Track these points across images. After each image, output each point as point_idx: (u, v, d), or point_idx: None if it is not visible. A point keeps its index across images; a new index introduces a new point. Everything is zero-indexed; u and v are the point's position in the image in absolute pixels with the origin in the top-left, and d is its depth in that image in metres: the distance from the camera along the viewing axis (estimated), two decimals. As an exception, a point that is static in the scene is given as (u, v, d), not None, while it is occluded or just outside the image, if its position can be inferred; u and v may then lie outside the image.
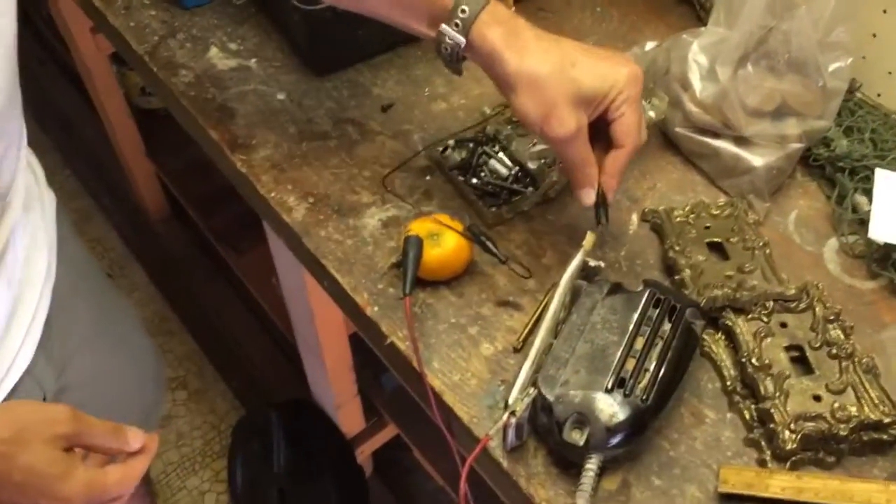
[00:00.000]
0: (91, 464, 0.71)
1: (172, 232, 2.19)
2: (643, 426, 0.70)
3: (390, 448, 1.77)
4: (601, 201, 0.81)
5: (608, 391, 0.70)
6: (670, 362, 0.73)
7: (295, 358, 1.68)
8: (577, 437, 0.69)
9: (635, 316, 0.75)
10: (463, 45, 0.76)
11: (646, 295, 0.77)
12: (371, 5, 0.81)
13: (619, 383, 0.71)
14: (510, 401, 0.70)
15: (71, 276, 0.98)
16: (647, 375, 0.72)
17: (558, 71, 0.73)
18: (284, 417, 1.66)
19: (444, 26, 0.76)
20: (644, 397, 0.70)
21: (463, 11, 0.74)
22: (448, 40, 0.76)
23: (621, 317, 0.76)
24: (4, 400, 0.84)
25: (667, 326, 0.75)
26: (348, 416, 1.63)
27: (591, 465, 0.69)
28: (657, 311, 0.76)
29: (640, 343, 0.74)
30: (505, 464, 0.74)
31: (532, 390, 0.71)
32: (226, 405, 1.99)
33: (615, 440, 0.69)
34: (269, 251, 1.36)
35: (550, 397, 0.70)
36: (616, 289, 0.79)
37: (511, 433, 0.71)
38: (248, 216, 1.34)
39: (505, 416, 0.70)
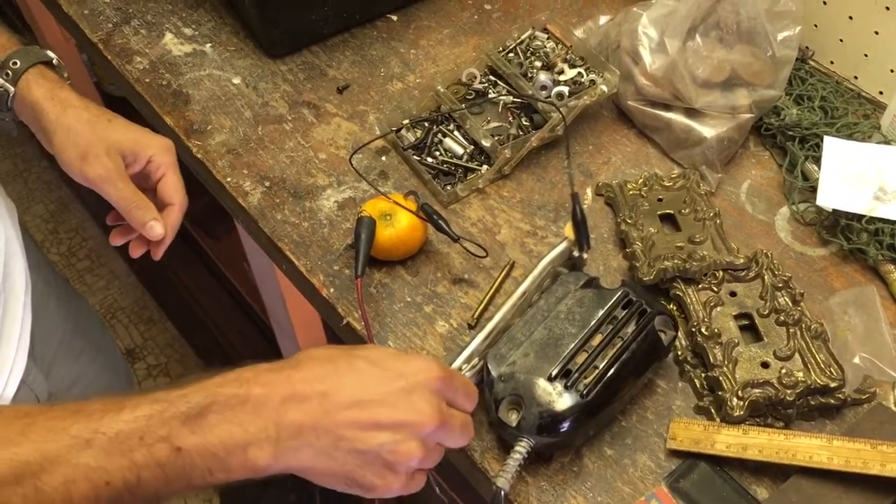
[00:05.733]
0: None
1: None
2: (577, 420, 0.69)
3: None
4: (582, 227, 0.78)
5: (550, 379, 0.70)
6: (623, 364, 0.71)
7: (275, 340, 1.69)
8: (512, 418, 0.70)
9: (600, 313, 0.74)
10: (12, 94, 0.82)
11: (617, 294, 0.75)
12: None
13: (564, 374, 0.71)
14: (452, 367, 0.70)
15: (41, 283, 0.98)
16: (595, 372, 0.71)
17: (94, 123, 0.81)
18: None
19: None
20: (585, 392, 0.70)
21: (15, 63, 0.82)
22: None
23: (586, 311, 0.75)
24: None
25: (630, 329, 0.73)
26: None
27: (520, 448, 0.69)
28: (625, 311, 0.74)
29: (597, 340, 0.73)
30: (459, 439, 0.75)
31: (477, 361, 0.72)
32: (207, 391, 2.00)
33: (545, 427, 0.69)
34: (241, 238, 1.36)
35: (494, 373, 0.71)
36: (591, 283, 0.77)
37: None
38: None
39: None
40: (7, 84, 0.82)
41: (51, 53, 0.86)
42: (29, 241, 0.96)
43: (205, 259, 2.08)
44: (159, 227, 0.81)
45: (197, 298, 2.08)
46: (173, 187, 0.84)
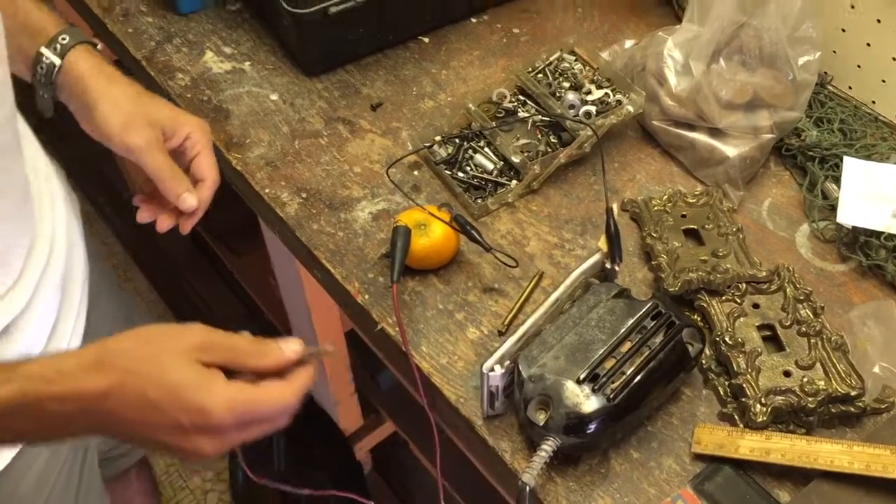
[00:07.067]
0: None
1: (171, 235, 2.22)
2: (603, 423, 0.72)
3: (388, 445, 1.80)
4: (616, 240, 0.81)
5: (579, 382, 0.73)
6: (650, 371, 0.74)
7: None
8: (540, 418, 0.72)
9: (630, 322, 0.77)
10: (57, 66, 0.84)
11: (647, 305, 0.78)
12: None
13: (593, 378, 0.73)
14: (484, 368, 0.73)
15: (95, 274, 1.01)
16: (623, 378, 0.74)
17: (137, 96, 0.85)
18: (283, 415, 1.69)
19: (43, 48, 0.84)
20: (612, 396, 0.72)
21: (64, 39, 0.85)
22: (45, 61, 0.84)
23: (617, 319, 0.78)
24: None
25: (658, 339, 0.76)
26: (346, 413, 1.66)
27: (547, 446, 0.72)
28: (654, 322, 0.77)
29: (625, 347, 0.76)
30: (490, 440, 0.78)
31: (508, 363, 0.75)
32: (226, 406, 2.02)
33: (571, 427, 0.72)
34: (265, 253, 1.40)
35: (525, 374, 0.74)
36: (623, 293, 0.81)
37: (485, 399, 0.75)
38: (246, 219, 1.38)
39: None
40: (54, 57, 0.84)
41: (98, 40, 0.89)
42: (87, 233, 0.99)
43: (225, 276, 2.12)
44: (192, 199, 0.83)
45: (218, 315, 2.11)
46: (207, 164, 0.86)
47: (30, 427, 0.63)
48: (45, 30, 0.85)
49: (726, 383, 0.80)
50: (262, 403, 0.64)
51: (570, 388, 0.73)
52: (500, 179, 0.96)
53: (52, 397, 0.61)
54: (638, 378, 0.74)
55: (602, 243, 0.81)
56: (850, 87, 1.05)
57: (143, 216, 0.87)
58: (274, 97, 1.07)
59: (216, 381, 0.62)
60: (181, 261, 2.20)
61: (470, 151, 0.98)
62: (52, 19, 0.86)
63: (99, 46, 0.89)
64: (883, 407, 0.78)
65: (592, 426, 0.72)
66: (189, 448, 0.63)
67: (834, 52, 1.04)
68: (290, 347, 0.67)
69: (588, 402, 0.72)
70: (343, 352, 1.52)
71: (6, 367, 0.62)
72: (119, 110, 0.83)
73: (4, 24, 0.78)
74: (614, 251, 0.81)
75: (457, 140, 0.99)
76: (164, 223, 0.86)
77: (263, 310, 1.90)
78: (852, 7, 1.00)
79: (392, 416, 1.67)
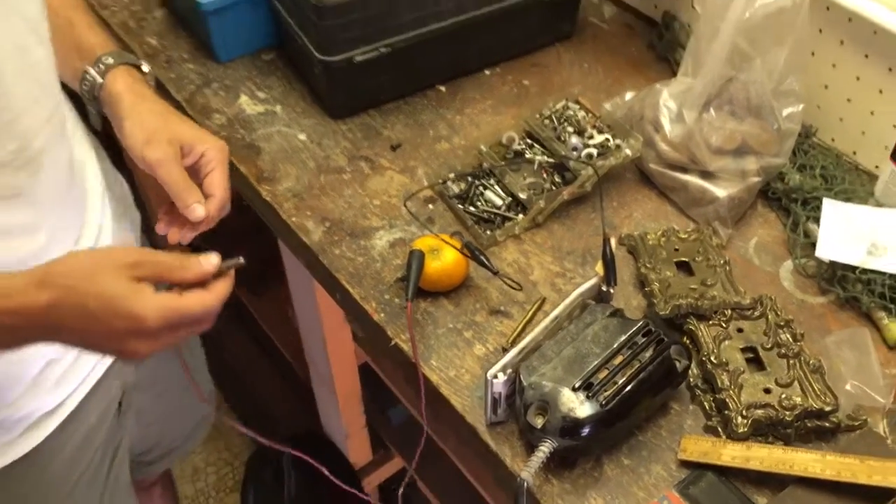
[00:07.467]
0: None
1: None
2: (596, 427, 0.79)
3: (396, 481, 1.85)
4: (611, 265, 0.90)
5: (574, 389, 0.80)
6: (640, 382, 0.82)
7: (305, 396, 1.78)
8: (538, 421, 0.80)
9: (623, 338, 0.85)
10: (99, 84, 0.93)
11: (638, 324, 0.86)
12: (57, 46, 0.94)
13: (587, 386, 0.81)
14: (489, 375, 0.81)
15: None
16: (615, 387, 0.81)
17: (163, 115, 0.92)
18: (296, 448, 1.75)
19: (88, 67, 0.93)
20: (604, 403, 0.80)
21: (108, 59, 0.93)
22: (88, 78, 0.93)
23: (611, 335, 0.86)
24: (89, 394, 0.96)
25: (648, 354, 0.84)
26: (356, 447, 1.72)
27: (544, 447, 0.79)
28: (645, 339, 0.85)
29: (618, 360, 0.83)
30: (492, 445, 0.85)
31: (511, 372, 0.82)
32: (239, 442, 2.08)
33: (567, 431, 0.79)
34: (283, 293, 1.48)
35: (525, 382, 0.81)
36: (617, 313, 0.89)
37: (488, 405, 0.83)
38: (265, 260, 1.46)
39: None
40: (97, 76, 0.93)
41: (144, 63, 0.98)
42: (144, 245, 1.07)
43: (242, 317, 2.19)
44: (201, 210, 0.88)
45: (234, 354, 2.18)
46: (218, 182, 0.91)
47: None
48: (94, 51, 0.94)
49: (711, 399, 0.87)
50: (187, 308, 0.73)
51: (567, 394, 0.80)
52: (507, 214, 1.05)
53: (3, 311, 0.70)
54: (629, 388, 0.81)
55: (599, 268, 0.89)
56: (832, 140, 1.14)
57: (160, 227, 0.94)
58: (302, 137, 1.16)
59: (145, 292, 0.71)
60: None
61: (481, 188, 1.07)
62: (102, 42, 0.95)
63: (146, 69, 0.97)
64: (856, 424, 0.85)
65: (586, 430, 0.79)
66: (126, 350, 0.73)
67: (818, 106, 1.13)
68: (210, 261, 0.75)
69: (582, 407, 0.79)
70: (356, 384, 1.59)
71: None
72: (143, 127, 0.90)
73: (63, 45, 0.88)
74: (610, 275, 0.89)
75: (469, 177, 1.08)
76: (174, 236, 0.93)
77: (279, 347, 1.98)
78: (833, 66, 1.10)
79: (401, 452, 1.73)
